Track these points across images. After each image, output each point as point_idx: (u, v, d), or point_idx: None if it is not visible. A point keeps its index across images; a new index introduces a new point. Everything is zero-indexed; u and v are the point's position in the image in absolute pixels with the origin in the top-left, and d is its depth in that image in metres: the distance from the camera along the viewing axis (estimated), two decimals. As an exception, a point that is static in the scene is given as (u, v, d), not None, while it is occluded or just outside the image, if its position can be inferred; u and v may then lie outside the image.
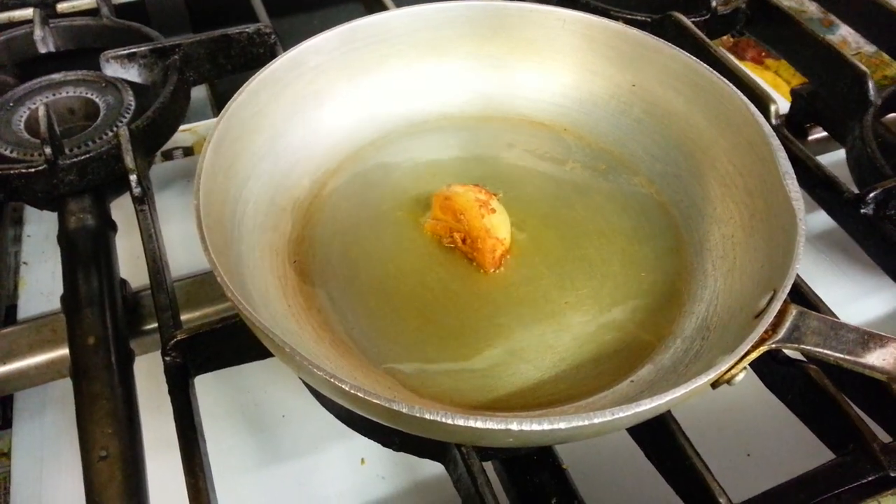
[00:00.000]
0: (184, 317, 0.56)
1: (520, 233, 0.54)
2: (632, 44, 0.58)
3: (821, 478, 0.42)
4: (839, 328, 0.40)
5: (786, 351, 0.47)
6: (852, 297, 0.63)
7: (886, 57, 0.81)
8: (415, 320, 0.49)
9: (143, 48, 0.68)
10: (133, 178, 0.57)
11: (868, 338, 0.40)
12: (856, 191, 0.59)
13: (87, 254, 0.58)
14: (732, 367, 0.38)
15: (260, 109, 0.53)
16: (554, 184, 0.58)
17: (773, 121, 0.62)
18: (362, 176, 0.58)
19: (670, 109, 0.57)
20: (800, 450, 0.47)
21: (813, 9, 1.04)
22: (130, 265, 0.62)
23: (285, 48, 0.58)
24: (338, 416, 0.48)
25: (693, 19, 0.75)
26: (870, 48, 0.97)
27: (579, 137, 0.61)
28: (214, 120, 0.50)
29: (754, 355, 0.39)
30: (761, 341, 0.39)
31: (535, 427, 0.33)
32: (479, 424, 0.33)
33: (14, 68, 0.73)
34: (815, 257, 0.67)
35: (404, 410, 0.34)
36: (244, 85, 0.52)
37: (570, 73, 0.62)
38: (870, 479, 0.42)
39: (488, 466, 0.43)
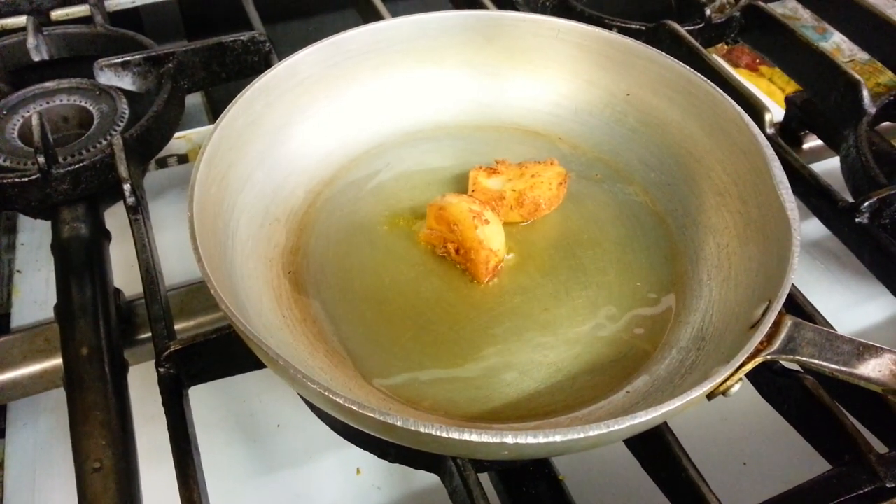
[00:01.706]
0: (178, 326, 0.56)
1: (514, 243, 0.54)
2: (626, 53, 0.59)
3: (817, 488, 0.42)
4: (834, 339, 0.40)
5: (782, 361, 0.47)
6: (847, 305, 0.63)
7: (880, 65, 0.81)
8: (409, 331, 0.48)
9: (137, 56, 0.68)
10: (127, 187, 0.57)
11: (863, 349, 0.40)
12: (850, 199, 0.59)
13: (80, 263, 0.58)
14: (728, 379, 0.38)
15: (254, 119, 0.53)
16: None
17: (768, 129, 0.62)
18: (356, 186, 0.58)
19: (665, 118, 0.58)
20: (796, 460, 0.47)
21: (806, 16, 1.04)
22: (124, 274, 0.62)
23: (280, 56, 0.58)
24: (332, 428, 0.48)
25: (687, 28, 0.75)
26: (863, 56, 0.97)
27: (574, 146, 0.61)
28: (209, 127, 0.50)
29: (750, 366, 0.39)
30: (757, 352, 0.39)
31: (531, 440, 0.33)
32: (475, 438, 0.33)
33: (7, 76, 0.72)
34: (810, 265, 0.67)
35: (399, 424, 0.34)
36: (238, 95, 0.52)
37: (564, 83, 0.62)
38: (866, 489, 0.41)
39: (484, 478, 0.43)
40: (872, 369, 0.39)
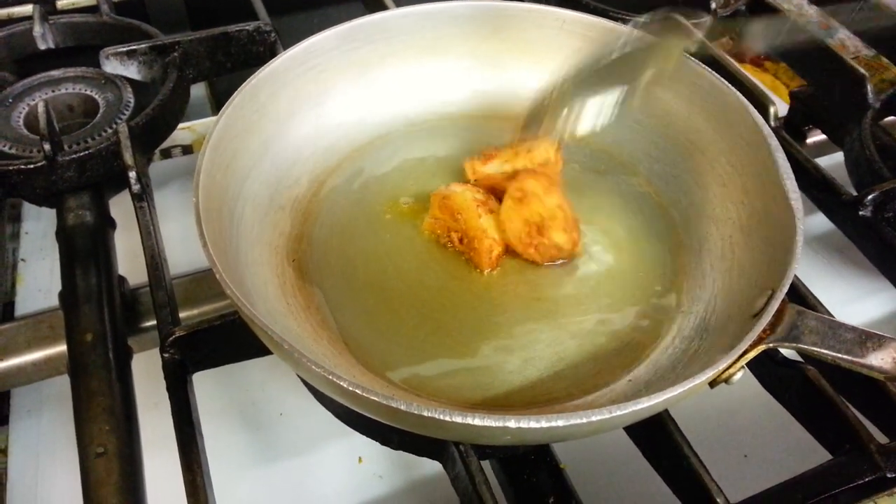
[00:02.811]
0: (182, 314, 0.56)
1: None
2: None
3: (818, 478, 0.42)
4: (837, 327, 0.40)
5: (783, 352, 0.47)
6: (850, 299, 0.63)
7: (885, 61, 0.81)
8: (413, 319, 0.49)
9: (142, 45, 0.68)
10: (132, 174, 0.57)
11: (866, 337, 0.40)
12: (854, 193, 0.59)
13: (85, 250, 0.58)
14: (730, 367, 0.38)
15: (259, 108, 0.54)
16: (553, 184, 0.58)
17: (772, 123, 0.62)
18: (361, 175, 0.58)
19: (669, 110, 0.58)
20: (797, 450, 0.47)
21: (811, 12, 1.04)
22: (129, 262, 0.62)
23: (285, 46, 0.58)
24: (336, 415, 0.49)
25: (692, 21, 0.75)
26: (868, 52, 0.97)
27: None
28: (214, 118, 0.50)
29: (752, 354, 0.39)
30: (759, 340, 0.39)
31: (533, 424, 0.33)
32: (477, 422, 0.33)
33: (13, 65, 0.73)
34: (813, 259, 0.67)
35: (402, 408, 0.34)
36: (244, 83, 0.52)
37: (569, 74, 0.62)
38: (866, 479, 0.42)
39: (486, 465, 0.43)
40: (875, 357, 0.39)
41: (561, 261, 0.52)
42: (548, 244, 0.51)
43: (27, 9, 0.77)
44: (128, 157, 0.58)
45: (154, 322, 0.50)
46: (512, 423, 0.33)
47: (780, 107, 0.65)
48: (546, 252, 0.51)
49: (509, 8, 0.61)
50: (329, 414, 0.49)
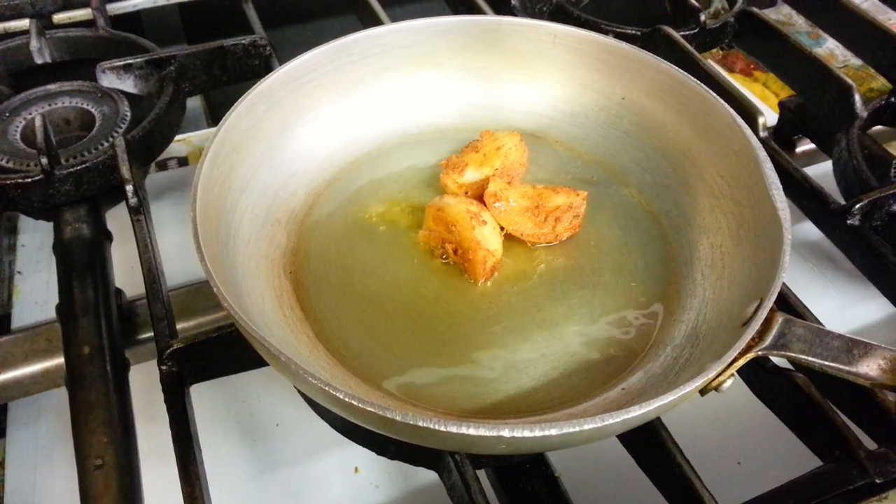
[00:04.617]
0: (179, 326, 0.57)
1: (511, 244, 0.54)
2: (621, 57, 0.59)
3: (808, 484, 0.43)
4: (824, 335, 0.41)
5: (774, 359, 0.48)
6: (839, 306, 0.64)
7: (872, 70, 0.82)
8: (408, 330, 0.49)
9: (139, 59, 0.69)
10: (129, 187, 0.57)
11: (852, 345, 0.41)
12: (842, 202, 0.60)
13: (82, 263, 0.59)
14: (720, 374, 0.39)
15: (256, 122, 0.54)
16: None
17: (761, 133, 0.63)
18: (356, 188, 0.59)
19: (659, 121, 0.58)
20: (788, 457, 0.47)
21: (801, 22, 1.05)
22: (125, 275, 0.62)
23: (280, 60, 0.59)
24: (332, 425, 0.49)
25: (682, 33, 0.76)
26: (856, 61, 0.98)
27: (570, 149, 0.62)
28: (209, 131, 0.51)
29: (741, 362, 0.39)
30: (748, 348, 0.40)
31: (527, 433, 0.34)
32: (472, 431, 0.34)
33: (10, 79, 0.73)
34: (803, 267, 0.68)
35: (398, 418, 0.34)
36: (240, 98, 0.53)
37: (560, 86, 0.63)
38: (856, 485, 0.42)
39: (481, 475, 0.44)
40: (861, 364, 0.40)
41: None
42: (551, 208, 0.54)
43: (24, 23, 0.77)
44: (124, 171, 0.58)
45: (151, 334, 0.51)
46: (506, 432, 0.34)
47: (770, 116, 0.66)
48: (556, 219, 0.54)
49: (502, 22, 0.62)
50: (325, 424, 0.49)
